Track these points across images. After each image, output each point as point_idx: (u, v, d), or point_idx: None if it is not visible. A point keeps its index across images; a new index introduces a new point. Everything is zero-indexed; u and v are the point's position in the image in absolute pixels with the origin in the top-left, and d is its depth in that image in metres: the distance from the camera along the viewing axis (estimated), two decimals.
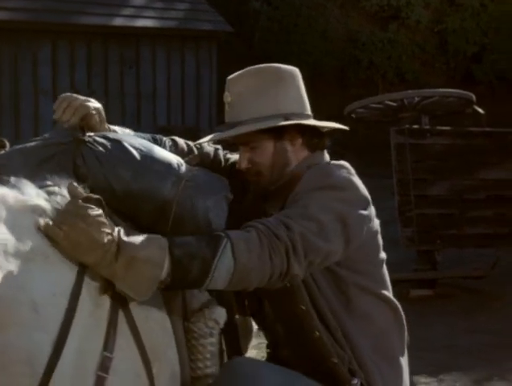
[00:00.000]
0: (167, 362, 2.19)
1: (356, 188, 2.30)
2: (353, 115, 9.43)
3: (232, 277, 2.07)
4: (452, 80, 16.45)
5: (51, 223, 1.96)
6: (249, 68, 2.41)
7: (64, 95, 2.38)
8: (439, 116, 9.81)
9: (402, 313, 2.45)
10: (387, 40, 16.64)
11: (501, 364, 6.02)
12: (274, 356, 2.48)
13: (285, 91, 2.38)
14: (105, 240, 1.95)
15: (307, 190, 2.26)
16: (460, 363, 6.08)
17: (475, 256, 9.36)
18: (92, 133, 2.30)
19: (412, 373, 2.60)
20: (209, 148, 2.61)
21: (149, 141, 2.43)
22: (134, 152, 2.26)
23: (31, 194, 2.02)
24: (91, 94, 2.53)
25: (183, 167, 2.30)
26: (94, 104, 2.39)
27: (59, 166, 2.20)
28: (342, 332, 2.29)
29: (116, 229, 2.00)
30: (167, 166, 2.27)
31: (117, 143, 2.27)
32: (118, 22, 13.23)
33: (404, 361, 2.43)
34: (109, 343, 2.00)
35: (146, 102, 13.54)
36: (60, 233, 1.94)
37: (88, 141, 2.25)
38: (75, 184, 2.02)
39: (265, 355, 2.55)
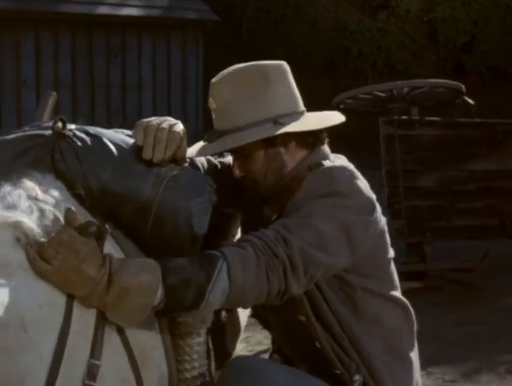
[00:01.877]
0: (155, 365, 2.16)
1: (360, 192, 2.20)
2: (342, 106, 9.44)
3: (227, 299, 2.03)
4: (442, 70, 16.49)
5: (37, 257, 1.87)
6: (232, 69, 2.31)
7: (141, 124, 2.21)
8: (428, 106, 9.84)
9: (412, 310, 2.41)
10: (376, 30, 16.64)
11: (490, 356, 6.07)
12: (279, 351, 2.47)
13: (273, 91, 2.29)
14: (97, 275, 1.90)
15: (308, 197, 2.18)
16: (449, 355, 6.13)
17: (465, 248, 9.41)
18: (73, 126, 2.22)
19: None
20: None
21: None
22: (114, 149, 2.18)
23: (23, 207, 1.94)
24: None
25: (166, 166, 2.21)
26: (179, 127, 2.23)
27: (36, 159, 2.14)
28: (350, 339, 2.25)
29: (108, 258, 1.94)
30: (148, 164, 2.18)
31: (97, 139, 2.20)
32: (103, 10, 13.19)
33: (415, 357, 2.40)
34: (96, 350, 1.96)
35: (132, 93, 13.51)
36: (48, 268, 1.87)
37: (68, 136, 2.18)
38: (73, 209, 1.94)
39: (252, 348, 2.55)
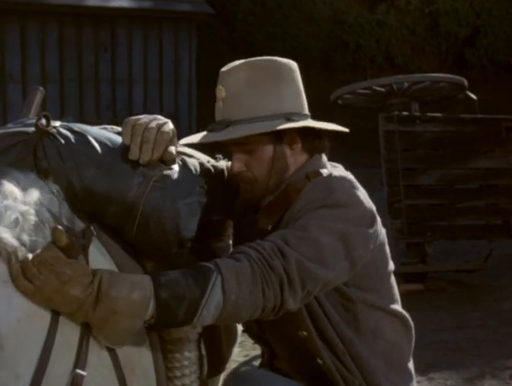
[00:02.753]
0: (142, 373, 2.14)
1: (360, 204, 2.19)
2: (340, 101, 9.46)
3: (221, 314, 2.01)
4: (444, 64, 16.51)
5: (20, 274, 1.85)
6: (245, 60, 2.29)
7: (129, 123, 2.19)
8: (429, 102, 9.86)
9: (412, 323, 2.41)
10: (376, 22, 16.66)
11: (493, 361, 6.08)
12: (271, 365, 2.46)
13: (287, 88, 2.27)
14: (82, 295, 1.88)
15: (307, 208, 2.16)
16: (451, 360, 6.13)
17: (467, 249, 9.43)
18: (57, 123, 2.20)
19: None
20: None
21: None
22: (99, 147, 2.16)
23: (7, 222, 1.90)
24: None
25: (153, 166, 2.19)
26: (168, 126, 2.21)
27: (19, 158, 2.11)
28: (351, 355, 2.24)
29: (98, 276, 1.91)
30: (134, 163, 2.16)
31: (81, 137, 2.17)
32: (92, 1, 13.17)
33: (411, 366, 2.42)
34: (81, 359, 1.94)
35: (122, 88, 13.50)
36: (31, 287, 1.85)
37: (51, 133, 2.15)
38: (59, 227, 1.89)
39: (248, 353, 2.55)
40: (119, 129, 2.31)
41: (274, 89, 2.26)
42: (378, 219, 2.27)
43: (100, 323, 1.91)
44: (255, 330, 2.42)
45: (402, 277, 8.14)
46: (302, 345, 2.25)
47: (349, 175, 2.28)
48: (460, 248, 9.45)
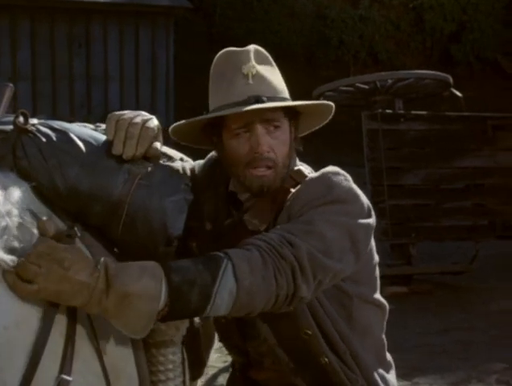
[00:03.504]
0: (127, 379, 2.15)
1: (358, 197, 2.26)
2: (322, 98, 9.49)
3: (235, 302, 2.02)
4: (429, 60, 16.58)
5: (18, 280, 1.86)
6: (253, 45, 2.37)
7: (113, 118, 2.20)
8: (414, 99, 9.91)
9: (387, 309, 2.47)
10: (359, 17, 16.71)
11: (480, 365, 6.12)
12: (244, 377, 2.47)
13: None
14: (89, 279, 1.89)
15: (309, 206, 2.20)
16: (437, 364, 6.17)
17: (453, 250, 9.48)
18: (35, 121, 2.19)
19: None
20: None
21: None
22: (81, 145, 2.16)
23: None
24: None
25: (138, 162, 2.20)
26: (153, 122, 2.22)
27: None
28: (351, 352, 2.28)
29: (101, 261, 1.93)
30: (119, 161, 2.17)
31: (63, 134, 2.17)
32: None
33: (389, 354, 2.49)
34: (66, 365, 1.95)
35: (97, 85, 13.48)
36: (34, 288, 1.86)
37: (31, 131, 2.15)
38: (44, 219, 1.91)
39: (226, 359, 2.55)
40: (92, 126, 2.32)
41: (279, 74, 2.35)
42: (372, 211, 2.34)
43: (115, 310, 1.92)
44: (235, 340, 2.42)
45: (386, 280, 8.17)
46: (304, 346, 2.27)
47: (341, 171, 2.31)
48: (445, 249, 9.50)
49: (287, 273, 2.07)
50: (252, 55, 2.30)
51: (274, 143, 2.26)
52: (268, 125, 2.26)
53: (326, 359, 2.26)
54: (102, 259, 1.95)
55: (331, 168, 2.30)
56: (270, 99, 2.25)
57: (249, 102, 2.23)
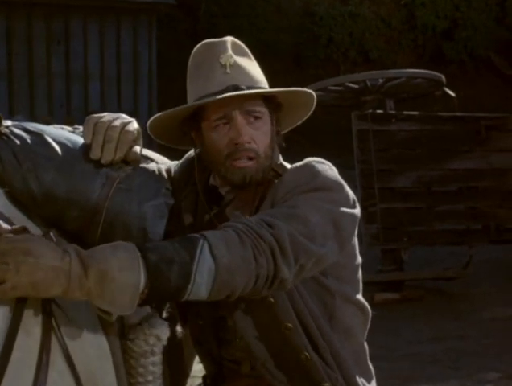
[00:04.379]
0: None
1: (343, 186, 2.28)
2: None
3: (214, 282, 2.02)
4: (421, 58, 16.64)
5: None
6: (230, 37, 2.41)
7: (91, 120, 2.19)
8: (405, 99, 9.93)
9: (370, 313, 2.48)
10: (348, 14, 16.74)
11: (473, 374, 6.14)
12: None
13: None
14: (62, 263, 1.88)
15: (292, 193, 2.22)
16: (428, 373, 6.18)
17: (445, 255, 9.50)
18: (9, 123, 2.18)
19: None
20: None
21: None
22: (57, 147, 2.16)
23: None
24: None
25: (117, 166, 2.19)
26: (133, 126, 2.22)
27: None
28: (331, 351, 2.29)
29: (70, 246, 1.93)
30: (96, 164, 2.16)
31: (38, 137, 2.17)
32: None
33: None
34: (41, 375, 1.95)
35: (77, 84, 13.44)
36: (6, 286, 1.85)
37: (4, 133, 2.14)
38: None
39: None
40: (70, 128, 2.31)
41: (258, 66, 2.38)
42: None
43: (99, 289, 1.91)
44: (209, 345, 2.42)
45: (377, 286, 8.19)
46: (285, 341, 2.27)
47: (324, 160, 2.34)
48: (438, 254, 9.52)
49: (267, 253, 2.07)
50: (229, 46, 2.33)
51: (256, 134, 2.28)
52: (248, 115, 2.28)
53: (307, 354, 2.26)
54: (69, 245, 1.95)
55: (315, 158, 2.33)
56: (249, 88, 2.27)
57: (227, 91, 2.24)
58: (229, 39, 2.37)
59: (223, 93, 2.24)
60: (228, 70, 2.30)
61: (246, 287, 2.08)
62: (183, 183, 2.39)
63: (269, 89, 2.32)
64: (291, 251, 2.11)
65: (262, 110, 2.30)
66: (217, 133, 2.27)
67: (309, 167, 2.28)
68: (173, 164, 2.48)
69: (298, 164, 2.30)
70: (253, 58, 2.38)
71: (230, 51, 2.32)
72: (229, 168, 2.27)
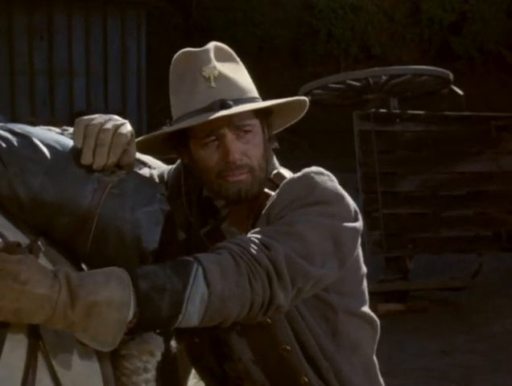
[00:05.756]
0: None
1: (344, 198, 2.28)
2: (310, 97, 9.48)
3: (207, 309, 2.03)
4: (426, 54, 16.65)
5: None
6: (214, 42, 2.37)
7: (81, 123, 2.19)
8: (410, 98, 9.94)
9: (379, 326, 2.49)
10: (350, 7, 16.76)
11: None
12: None
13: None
14: (50, 291, 1.88)
15: (289, 208, 2.22)
16: None
17: (453, 264, 9.50)
18: None
19: None
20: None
21: None
22: (46, 150, 2.16)
23: None
24: None
25: (109, 170, 2.20)
26: (126, 128, 2.22)
27: None
28: (334, 371, 2.30)
29: (60, 271, 1.93)
30: (88, 168, 2.17)
31: (25, 139, 2.17)
32: None
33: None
34: None
35: (61, 81, 13.44)
36: None
37: None
38: None
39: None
40: (58, 130, 2.31)
41: (246, 72, 2.37)
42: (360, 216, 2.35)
43: (83, 322, 1.91)
44: (209, 361, 2.42)
45: (380, 296, 8.18)
46: (282, 364, 2.28)
47: (324, 170, 2.33)
48: (445, 262, 9.53)
49: (263, 279, 2.08)
50: (212, 55, 2.32)
51: (247, 148, 2.29)
52: (238, 130, 2.28)
53: (305, 379, 2.27)
54: (60, 268, 1.95)
55: (314, 168, 2.32)
56: (237, 102, 2.27)
57: (213, 108, 2.25)
58: (211, 46, 2.35)
59: (209, 109, 2.25)
60: (212, 83, 2.30)
61: (240, 314, 2.09)
62: (175, 193, 2.41)
63: (259, 104, 2.30)
64: (287, 275, 2.11)
65: (253, 122, 2.30)
66: (206, 151, 2.28)
67: (306, 179, 2.28)
68: (166, 169, 2.49)
69: (295, 176, 2.30)
70: (239, 61, 2.37)
71: (213, 62, 2.31)
72: (222, 184, 2.29)
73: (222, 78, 2.29)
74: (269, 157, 2.34)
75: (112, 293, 1.93)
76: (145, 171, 2.33)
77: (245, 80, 2.33)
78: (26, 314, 1.88)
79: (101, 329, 1.93)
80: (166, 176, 2.46)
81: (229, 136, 2.27)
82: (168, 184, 2.43)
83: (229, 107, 2.25)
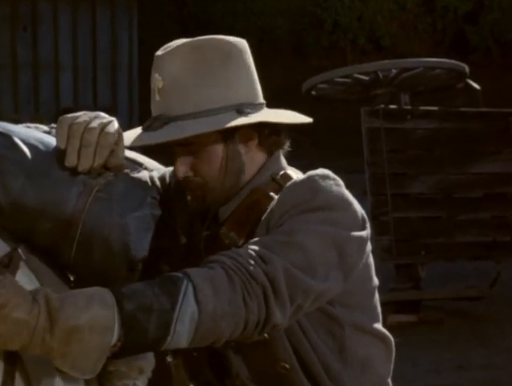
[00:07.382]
0: None
1: (350, 204, 2.24)
2: (314, 92, 9.50)
3: (197, 329, 2.01)
4: (440, 46, 16.67)
5: None
6: (186, 41, 2.30)
7: (65, 122, 2.18)
8: (422, 92, 9.95)
9: (393, 344, 2.46)
10: None
11: None
12: None
13: (236, 73, 2.29)
14: (28, 317, 1.87)
15: (290, 214, 2.19)
16: None
17: (469, 272, 9.50)
18: None
19: None
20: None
21: None
22: (27, 151, 2.15)
23: None
24: None
25: (96, 172, 2.18)
26: (114, 127, 2.20)
27: None
28: None
29: (40, 292, 1.91)
30: (72, 170, 2.15)
31: (5, 138, 2.15)
32: None
33: None
34: None
35: (46, 76, 13.45)
36: None
37: None
38: None
39: None
40: (45, 128, 2.31)
41: (222, 75, 2.28)
42: (368, 223, 2.32)
43: (62, 349, 1.90)
44: (208, 377, 2.43)
45: (391, 307, 8.16)
46: (281, 383, 2.27)
47: (331, 174, 2.30)
48: (460, 270, 9.52)
49: (258, 296, 2.06)
50: (165, 61, 2.29)
51: (198, 164, 2.28)
52: (188, 144, 2.27)
53: None
54: (40, 289, 1.93)
55: (319, 170, 2.29)
56: (179, 118, 2.25)
57: (155, 122, 2.26)
58: (174, 46, 2.30)
59: (153, 124, 2.26)
60: (157, 96, 2.30)
61: (234, 333, 2.08)
62: (177, 196, 2.39)
63: (179, 137, 2.24)
64: (286, 291, 2.09)
65: (204, 140, 2.26)
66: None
67: (310, 183, 2.25)
68: (168, 170, 2.48)
69: (298, 179, 2.28)
70: (217, 64, 2.28)
71: (156, 73, 2.29)
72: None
73: (168, 90, 2.27)
74: (234, 169, 2.30)
75: (94, 316, 1.91)
76: (144, 174, 2.33)
77: (205, 91, 2.26)
78: (2, 339, 1.88)
79: (82, 355, 1.92)
80: (168, 178, 2.45)
81: (176, 150, 2.28)
82: (173, 184, 2.43)
83: (164, 123, 2.24)
